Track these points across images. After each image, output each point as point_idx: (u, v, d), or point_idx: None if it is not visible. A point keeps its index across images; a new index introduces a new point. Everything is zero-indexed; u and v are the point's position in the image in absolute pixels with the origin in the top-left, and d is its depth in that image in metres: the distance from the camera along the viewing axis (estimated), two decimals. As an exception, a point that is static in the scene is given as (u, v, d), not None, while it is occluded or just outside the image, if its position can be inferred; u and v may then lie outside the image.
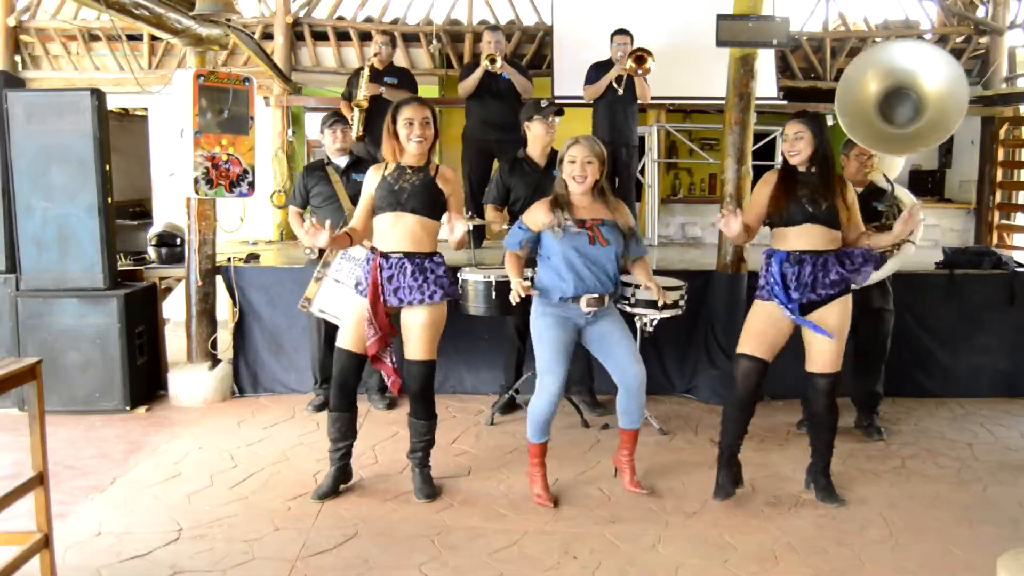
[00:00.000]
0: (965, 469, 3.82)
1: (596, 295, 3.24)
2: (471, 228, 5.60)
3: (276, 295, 4.90)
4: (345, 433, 3.38)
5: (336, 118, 4.53)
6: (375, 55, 5.86)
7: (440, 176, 3.29)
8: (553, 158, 4.34)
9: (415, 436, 3.40)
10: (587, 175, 3.22)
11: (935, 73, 3.53)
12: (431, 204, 3.24)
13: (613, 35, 5.72)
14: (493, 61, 5.60)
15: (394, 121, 3.24)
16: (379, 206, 3.26)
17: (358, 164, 4.50)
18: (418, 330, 3.25)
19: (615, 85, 5.61)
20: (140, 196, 6.56)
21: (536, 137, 4.28)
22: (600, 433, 4.23)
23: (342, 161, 4.51)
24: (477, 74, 5.71)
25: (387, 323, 3.23)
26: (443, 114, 8.14)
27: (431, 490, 3.39)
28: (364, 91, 5.70)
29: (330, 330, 4.53)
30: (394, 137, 3.25)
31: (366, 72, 5.75)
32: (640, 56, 5.51)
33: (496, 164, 5.76)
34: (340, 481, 3.43)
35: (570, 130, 4.74)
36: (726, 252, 4.84)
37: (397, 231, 3.22)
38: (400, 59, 7.37)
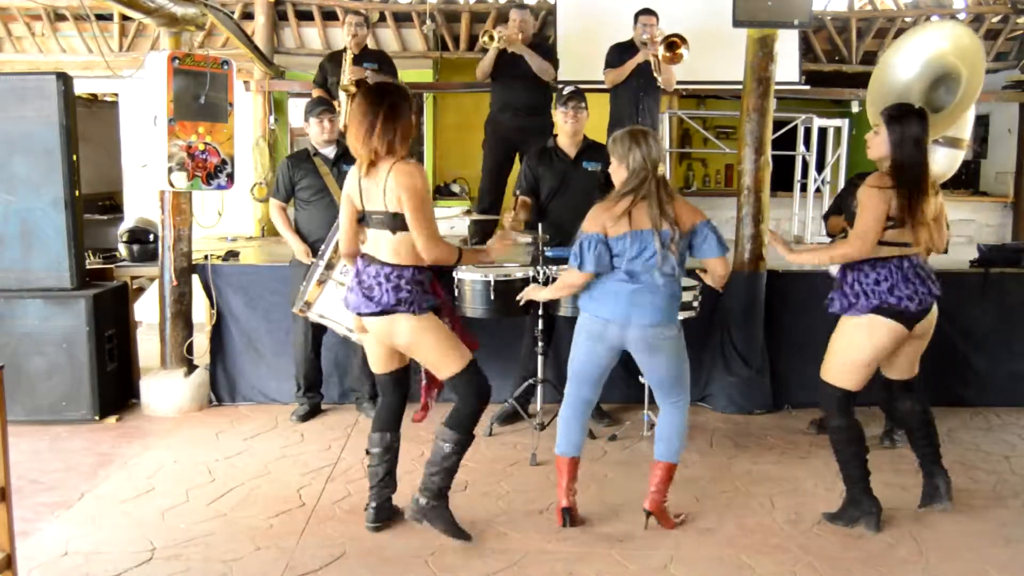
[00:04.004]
0: (1001, 483, 3.82)
1: None
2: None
3: (256, 296, 4.91)
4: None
5: (323, 106, 4.53)
6: (352, 37, 5.84)
7: None
8: (585, 148, 4.38)
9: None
10: None
11: (956, 43, 3.74)
12: None
13: (638, 15, 5.71)
14: (492, 38, 5.61)
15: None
16: None
17: (348, 154, 4.50)
18: None
19: (653, 71, 5.60)
20: (110, 189, 6.58)
21: (559, 126, 4.38)
22: (607, 445, 4.24)
23: (330, 151, 4.52)
24: (491, 55, 5.72)
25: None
26: (437, 100, 8.17)
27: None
28: (349, 74, 5.69)
29: (317, 334, 4.54)
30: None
31: (349, 56, 5.75)
32: (672, 42, 5.49)
33: (518, 155, 5.80)
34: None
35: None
36: (743, 249, 4.85)
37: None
38: (392, 41, 7.40)
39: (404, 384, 3.29)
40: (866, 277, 3.19)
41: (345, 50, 5.89)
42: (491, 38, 5.62)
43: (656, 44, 5.50)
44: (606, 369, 3.27)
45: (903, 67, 3.97)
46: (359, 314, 3.06)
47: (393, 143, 2.92)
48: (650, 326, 3.13)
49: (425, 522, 3.17)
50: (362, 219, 3.07)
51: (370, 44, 5.87)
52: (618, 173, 3.16)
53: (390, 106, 2.93)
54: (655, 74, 5.64)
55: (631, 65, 5.63)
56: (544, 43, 6.22)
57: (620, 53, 5.74)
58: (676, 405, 3.34)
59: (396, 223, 2.95)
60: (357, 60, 5.81)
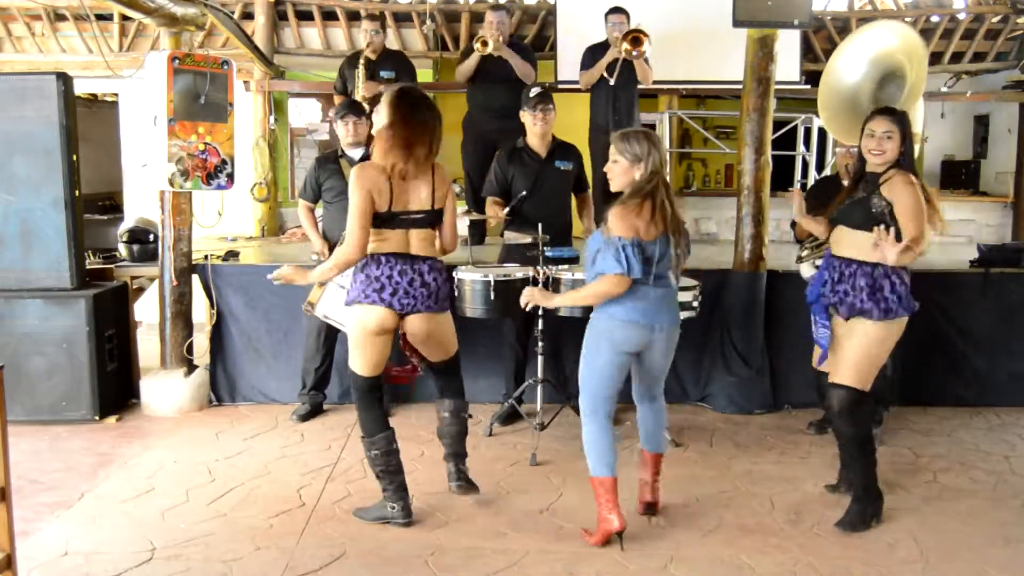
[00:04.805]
0: (1001, 484, 3.82)
1: None
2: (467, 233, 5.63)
3: (256, 296, 4.90)
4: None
5: (348, 109, 4.55)
6: (367, 45, 5.85)
7: None
8: (555, 148, 4.40)
9: None
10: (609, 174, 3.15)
11: (898, 41, 3.84)
12: None
13: (607, 14, 5.72)
14: (485, 44, 5.61)
15: None
16: None
17: None
18: None
19: (604, 74, 5.63)
20: (110, 189, 6.55)
21: (528, 128, 4.40)
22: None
23: (356, 153, 4.54)
24: (473, 59, 5.73)
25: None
26: (438, 100, 8.16)
27: (362, 506, 3.40)
28: (362, 91, 5.70)
29: (330, 333, 4.55)
30: None
31: (361, 71, 5.75)
32: (635, 37, 5.50)
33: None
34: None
35: (575, 116, 4.76)
36: (743, 249, 4.85)
37: None
38: (391, 41, 7.39)
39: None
40: (900, 279, 3.18)
41: (355, 56, 5.87)
42: (484, 44, 5.62)
43: (620, 41, 5.50)
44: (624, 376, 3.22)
45: (851, 68, 3.99)
46: (408, 313, 3.13)
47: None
48: (674, 327, 3.17)
49: (471, 490, 3.46)
50: (387, 220, 3.08)
51: (360, 64, 5.86)
52: (628, 173, 3.05)
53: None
54: (640, 69, 5.65)
55: (602, 65, 5.64)
56: (523, 45, 6.21)
57: (593, 54, 5.76)
58: (659, 397, 3.34)
59: (437, 219, 3.21)
60: (375, 65, 5.81)
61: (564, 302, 3.26)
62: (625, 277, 2.97)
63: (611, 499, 3.10)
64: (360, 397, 3.25)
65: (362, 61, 5.79)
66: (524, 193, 4.27)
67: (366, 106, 5.62)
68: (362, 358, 3.19)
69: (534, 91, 4.42)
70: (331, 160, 4.58)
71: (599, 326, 3.12)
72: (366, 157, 4.48)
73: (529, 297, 3.27)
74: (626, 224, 2.98)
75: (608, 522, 3.11)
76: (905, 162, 3.22)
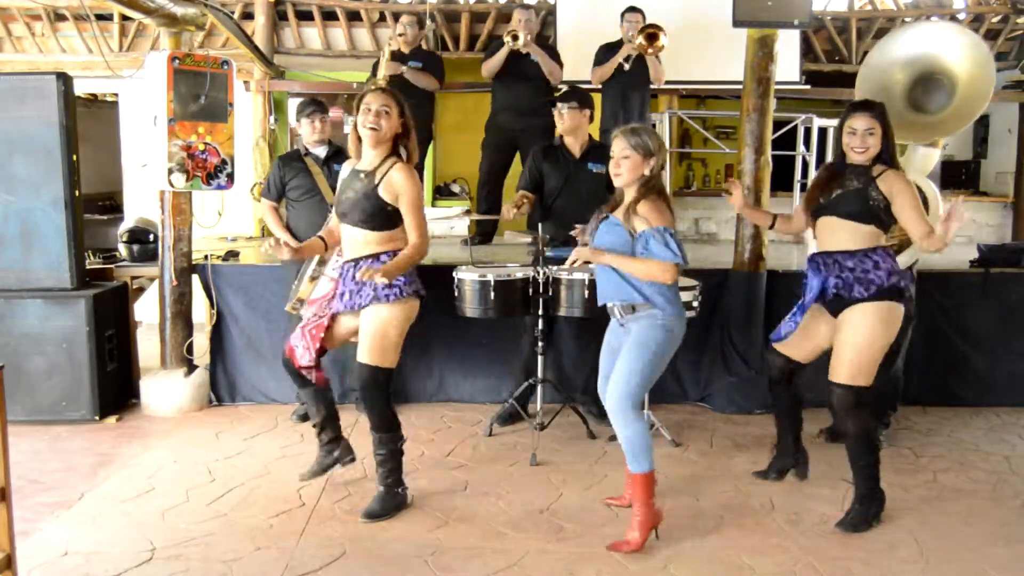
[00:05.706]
0: (1001, 483, 3.82)
1: (609, 303, 3.18)
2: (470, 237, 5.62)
3: (256, 296, 4.91)
4: None
5: (313, 107, 4.55)
6: (400, 35, 5.86)
7: (385, 182, 3.19)
8: (590, 149, 4.43)
9: (373, 447, 3.44)
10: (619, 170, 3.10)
11: (962, 53, 3.69)
12: (372, 216, 3.22)
13: (624, 13, 5.75)
14: (516, 38, 5.61)
15: (357, 110, 3.25)
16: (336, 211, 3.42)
17: (339, 154, 4.51)
18: (363, 332, 3.31)
19: (623, 63, 5.64)
20: (110, 189, 6.56)
21: (558, 126, 4.42)
22: (607, 445, 4.23)
23: (321, 151, 4.55)
24: (502, 54, 5.71)
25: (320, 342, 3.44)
26: (438, 100, 8.16)
27: (374, 508, 3.36)
28: (383, 70, 5.70)
29: None
30: (354, 129, 3.28)
31: (387, 51, 5.76)
32: (651, 33, 5.51)
33: (518, 155, 5.82)
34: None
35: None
36: (743, 249, 4.84)
37: (346, 242, 3.35)
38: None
39: None
40: (884, 262, 3.20)
41: (382, 49, 5.91)
42: (514, 38, 5.62)
43: (636, 36, 5.52)
44: None
45: (893, 52, 3.95)
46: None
47: (352, 147, 3.39)
48: None
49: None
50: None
51: (385, 44, 5.87)
52: (640, 168, 3.04)
53: None
54: (624, 64, 5.67)
55: (615, 62, 5.66)
56: (549, 44, 6.24)
57: (607, 52, 5.78)
58: None
59: None
60: (403, 58, 5.81)
61: (615, 262, 3.07)
62: (677, 264, 2.99)
63: (652, 490, 3.14)
64: (384, 392, 3.31)
65: (388, 44, 5.79)
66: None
67: (383, 84, 5.65)
68: (396, 350, 3.29)
69: (563, 89, 4.45)
70: (296, 159, 4.58)
71: (670, 327, 3.08)
72: (333, 154, 4.52)
73: (577, 254, 3.19)
74: (664, 215, 3.01)
75: (659, 513, 3.14)
76: (888, 157, 3.22)
